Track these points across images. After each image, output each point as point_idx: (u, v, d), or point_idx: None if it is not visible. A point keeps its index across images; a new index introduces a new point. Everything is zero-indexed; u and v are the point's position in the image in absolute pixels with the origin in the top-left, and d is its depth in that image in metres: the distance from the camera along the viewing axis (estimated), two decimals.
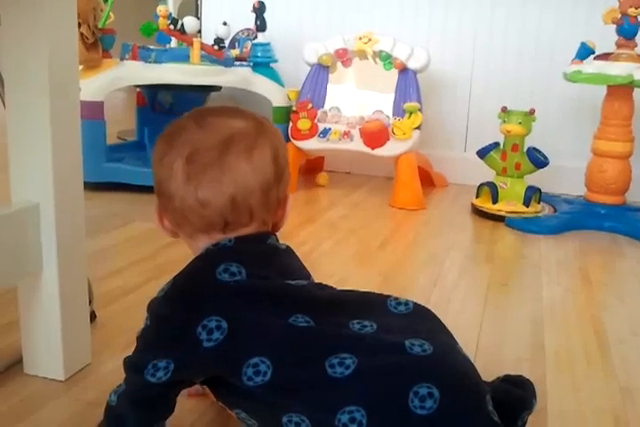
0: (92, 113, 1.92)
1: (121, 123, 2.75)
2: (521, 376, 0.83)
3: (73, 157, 0.91)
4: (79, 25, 1.91)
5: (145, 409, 0.71)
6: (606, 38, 1.88)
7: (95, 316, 1.08)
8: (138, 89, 2.33)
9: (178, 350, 0.68)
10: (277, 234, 0.79)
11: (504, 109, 1.95)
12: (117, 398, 0.71)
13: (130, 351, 0.99)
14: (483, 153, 1.99)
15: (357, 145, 2.09)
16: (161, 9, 2.16)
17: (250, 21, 2.33)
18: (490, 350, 1.09)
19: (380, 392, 0.64)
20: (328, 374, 0.64)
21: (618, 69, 1.80)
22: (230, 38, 2.38)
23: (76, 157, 0.92)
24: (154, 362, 0.68)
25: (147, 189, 1.75)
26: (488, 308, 1.27)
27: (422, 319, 0.74)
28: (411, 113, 2.08)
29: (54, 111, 0.86)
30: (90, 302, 1.04)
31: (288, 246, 0.78)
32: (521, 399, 0.76)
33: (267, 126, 0.77)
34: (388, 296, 0.76)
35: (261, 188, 0.73)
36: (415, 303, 0.76)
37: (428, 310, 0.76)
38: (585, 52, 1.92)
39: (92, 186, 1.91)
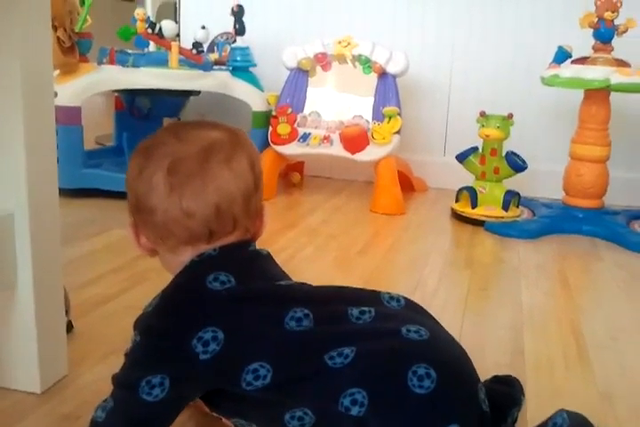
0: (69, 118, 1.90)
1: (99, 127, 2.73)
2: (509, 376, 0.85)
3: (48, 165, 0.90)
4: (55, 29, 1.89)
5: None
6: (583, 42, 1.90)
7: (72, 326, 1.07)
8: (116, 94, 2.31)
9: (172, 365, 0.68)
10: (257, 241, 0.80)
11: (482, 114, 1.96)
12: (106, 415, 0.69)
13: (108, 361, 0.99)
14: (462, 157, 2.00)
15: (337, 150, 2.09)
16: (139, 12, 2.15)
17: (228, 25, 2.32)
18: (470, 355, 1.08)
19: (380, 373, 0.65)
20: (328, 366, 0.66)
21: (595, 73, 1.81)
22: (209, 42, 2.37)
23: (51, 165, 0.91)
24: (147, 378, 0.67)
25: (124, 196, 1.75)
26: (468, 313, 1.27)
27: (416, 312, 0.75)
28: (390, 117, 2.08)
29: (28, 118, 0.85)
30: (67, 312, 1.03)
31: (268, 252, 0.79)
32: (509, 396, 0.78)
33: (241, 137, 0.78)
34: (380, 291, 0.77)
35: (243, 195, 0.74)
36: (407, 298, 0.77)
37: (420, 305, 0.78)
38: (562, 56, 1.93)
39: (70, 192, 1.89)
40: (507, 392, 0.78)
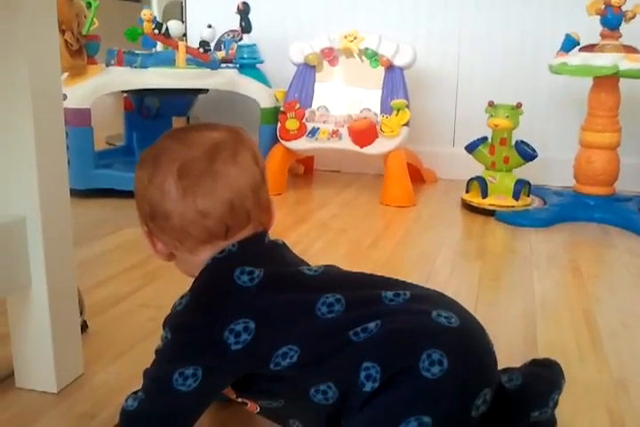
0: (80, 120, 1.91)
1: (109, 128, 2.74)
2: (548, 359, 0.84)
3: (58, 169, 0.91)
4: (63, 32, 1.90)
5: (172, 420, 0.71)
6: (591, 29, 1.89)
7: (87, 326, 1.08)
8: (125, 94, 2.32)
9: (205, 356, 0.69)
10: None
11: (491, 104, 1.95)
12: (137, 404, 0.71)
13: (123, 359, 1.01)
14: (471, 148, 1.99)
15: (346, 144, 2.09)
16: (145, 13, 2.16)
17: (235, 23, 2.32)
18: None
19: (395, 349, 0.66)
20: (352, 341, 0.67)
21: (603, 60, 1.80)
22: (216, 40, 2.38)
23: (62, 168, 0.92)
24: (180, 370, 0.68)
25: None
26: (480, 304, 1.28)
27: (451, 301, 0.75)
28: (398, 110, 2.08)
29: (37, 122, 0.86)
30: (81, 312, 1.04)
31: (283, 242, 0.81)
32: (549, 380, 0.77)
33: (242, 133, 0.80)
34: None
35: (252, 189, 0.75)
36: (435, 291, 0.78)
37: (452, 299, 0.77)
38: (570, 43, 1.92)
39: (82, 193, 1.91)
40: (547, 376, 0.78)
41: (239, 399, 0.76)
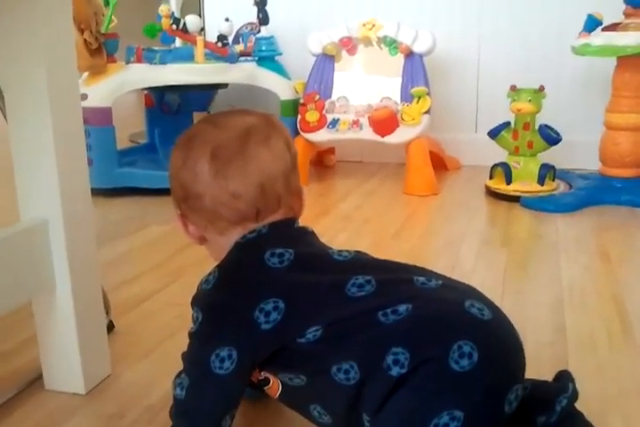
0: (101, 119, 1.93)
1: (132, 126, 2.76)
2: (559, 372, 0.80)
3: (79, 171, 0.91)
4: (82, 31, 1.91)
5: (219, 401, 0.72)
6: (614, 9, 1.85)
7: (113, 326, 1.09)
8: (145, 91, 2.33)
9: (237, 336, 0.70)
10: None
11: (513, 88, 1.93)
12: (186, 391, 0.72)
13: (150, 358, 1.02)
14: (494, 133, 1.97)
15: (367, 134, 2.08)
16: (163, 9, 2.16)
17: (252, 15, 2.32)
18: None
19: (426, 336, 0.65)
20: (380, 322, 0.66)
21: (627, 39, 1.77)
22: (234, 34, 2.37)
23: (82, 171, 0.92)
24: (216, 352, 0.69)
25: (160, 192, 1.78)
26: (507, 292, 1.27)
27: (480, 293, 0.74)
28: (419, 98, 2.06)
29: (57, 125, 0.86)
30: (107, 312, 1.05)
31: (312, 230, 0.82)
32: (555, 385, 0.75)
33: (274, 119, 0.81)
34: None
35: (283, 174, 0.77)
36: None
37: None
38: (592, 24, 1.89)
39: (106, 192, 1.93)
40: (553, 382, 0.76)
41: (262, 375, 0.76)
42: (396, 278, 0.72)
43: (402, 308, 0.67)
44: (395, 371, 0.64)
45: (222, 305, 0.72)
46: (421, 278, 0.71)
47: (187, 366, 0.74)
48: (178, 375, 0.74)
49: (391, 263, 0.78)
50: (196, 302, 0.74)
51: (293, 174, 0.79)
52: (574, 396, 0.71)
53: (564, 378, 0.74)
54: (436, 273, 0.76)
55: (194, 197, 0.76)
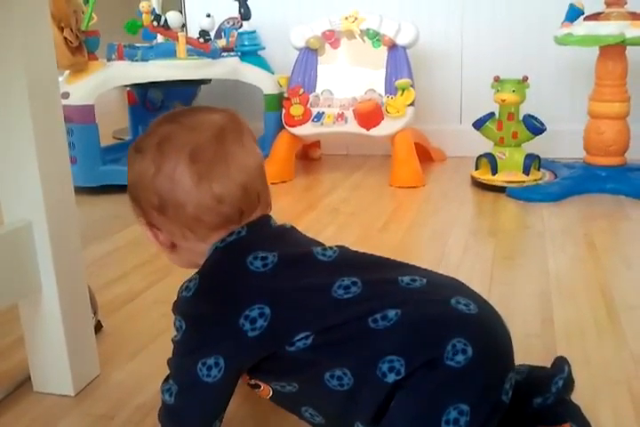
0: (84, 117, 1.91)
1: (116, 122, 2.74)
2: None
3: (61, 172, 0.91)
4: (62, 29, 1.89)
5: (207, 409, 0.71)
6: None
7: (101, 326, 1.09)
8: (128, 88, 2.32)
9: (223, 345, 0.68)
10: None
11: (497, 79, 1.93)
12: (174, 398, 0.71)
13: (139, 358, 1.02)
14: (478, 124, 1.97)
15: (352, 127, 2.07)
16: (144, 5, 2.15)
17: (233, 10, 2.30)
18: None
19: (420, 341, 0.65)
20: (370, 328, 0.66)
21: (609, 29, 1.78)
22: (215, 29, 2.36)
23: (65, 171, 0.91)
24: (202, 361, 0.68)
25: None
26: (494, 283, 1.27)
27: (465, 287, 0.75)
28: (403, 90, 2.06)
29: (37, 126, 0.85)
30: (95, 312, 1.05)
31: (292, 225, 0.80)
32: (550, 368, 0.76)
33: (237, 115, 0.79)
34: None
35: (259, 170, 0.76)
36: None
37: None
38: (574, 13, 1.89)
39: (90, 190, 1.91)
40: (548, 368, 0.77)
41: (252, 381, 0.75)
42: (381, 279, 0.71)
43: (391, 313, 0.66)
44: (390, 378, 0.64)
45: (205, 315, 0.70)
46: (406, 279, 0.70)
47: (174, 372, 0.72)
48: (165, 380, 0.73)
49: (376, 260, 0.77)
50: (178, 310, 0.72)
51: (264, 168, 0.78)
52: (570, 381, 0.72)
53: (560, 361, 0.75)
54: (419, 269, 0.76)
55: (173, 206, 0.72)
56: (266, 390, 0.75)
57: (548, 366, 0.78)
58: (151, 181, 0.72)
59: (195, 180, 0.71)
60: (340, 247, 0.77)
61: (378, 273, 0.72)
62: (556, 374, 0.71)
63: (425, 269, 0.76)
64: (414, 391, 0.64)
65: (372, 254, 0.78)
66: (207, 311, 0.70)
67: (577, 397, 0.87)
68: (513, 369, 0.69)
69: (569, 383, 0.72)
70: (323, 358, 0.67)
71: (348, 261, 0.75)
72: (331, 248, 0.76)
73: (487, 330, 0.68)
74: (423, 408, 0.63)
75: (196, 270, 0.74)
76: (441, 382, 0.63)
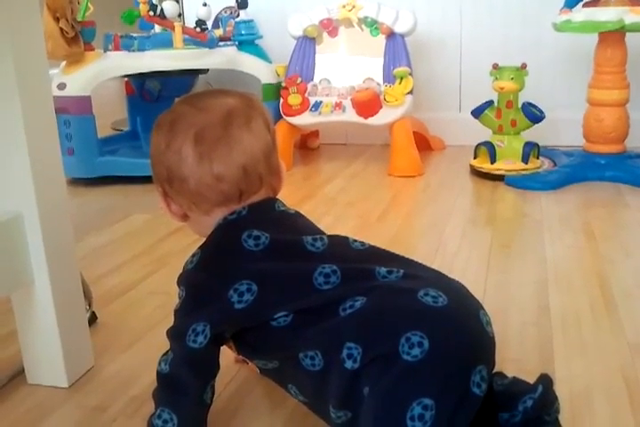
0: (80, 108, 1.91)
1: (115, 113, 2.73)
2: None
3: (52, 163, 0.90)
4: (57, 20, 1.88)
5: (197, 371, 0.75)
6: None
7: (96, 317, 1.08)
8: (125, 79, 2.31)
9: (212, 311, 0.73)
10: None
11: (495, 66, 1.92)
12: (169, 365, 0.75)
13: (133, 349, 1.02)
14: (477, 112, 1.96)
15: (350, 116, 2.06)
16: None
17: (230, 0, 2.29)
18: (495, 315, 1.05)
19: (375, 330, 0.67)
20: (339, 314, 0.69)
21: (608, 15, 1.76)
22: (212, 19, 2.34)
23: (56, 162, 0.91)
24: (192, 327, 0.73)
25: (143, 181, 1.76)
26: (491, 272, 1.26)
27: (448, 279, 0.75)
28: (401, 78, 2.05)
29: (27, 116, 0.85)
30: (89, 304, 1.05)
31: (297, 211, 0.83)
32: (525, 385, 0.71)
33: (254, 100, 0.83)
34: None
35: (264, 154, 0.79)
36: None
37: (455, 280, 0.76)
38: (573, 0, 1.87)
39: (88, 182, 1.91)
40: (528, 383, 0.71)
41: (241, 356, 0.80)
42: (359, 270, 0.73)
43: (357, 302, 0.69)
44: (349, 364, 0.66)
45: (202, 284, 0.75)
46: (383, 270, 0.72)
47: (170, 340, 0.76)
48: (165, 353, 0.77)
49: (364, 251, 0.78)
50: (181, 280, 0.78)
51: (273, 153, 0.81)
52: (547, 402, 0.68)
53: (539, 380, 0.69)
54: (403, 260, 0.77)
55: (179, 179, 0.77)
56: (253, 366, 0.80)
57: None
58: (163, 154, 0.78)
59: (197, 159, 0.76)
60: (333, 238, 0.79)
61: (358, 263, 0.75)
62: (527, 393, 0.67)
63: (412, 262, 0.77)
64: (375, 388, 0.64)
65: (364, 246, 0.79)
66: (203, 282, 0.75)
67: (572, 384, 0.88)
68: (488, 363, 0.67)
69: (545, 404, 0.68)
70: (299, 337, 0.70)
71: (335, 253, 0.76)
72: (322, 239, 0.77)
73: (454, 322, 0.67)
74: (385, 406, 0.64)
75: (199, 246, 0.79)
76: (399, 378, 0.64)
